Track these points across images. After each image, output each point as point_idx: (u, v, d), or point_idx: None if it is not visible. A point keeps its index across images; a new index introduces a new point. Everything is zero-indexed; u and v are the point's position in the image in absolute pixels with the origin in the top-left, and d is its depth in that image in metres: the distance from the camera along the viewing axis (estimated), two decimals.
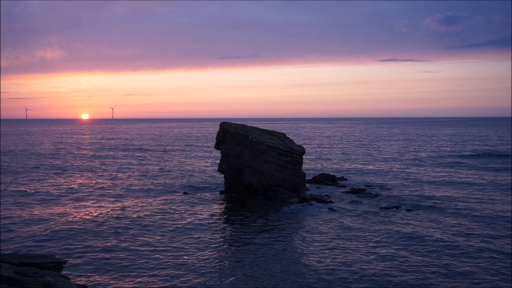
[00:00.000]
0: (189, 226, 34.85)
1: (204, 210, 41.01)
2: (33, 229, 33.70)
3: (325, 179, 56.55)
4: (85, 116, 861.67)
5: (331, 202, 43.64)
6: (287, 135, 57.36)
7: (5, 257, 16.74)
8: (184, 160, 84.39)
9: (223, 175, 51.97)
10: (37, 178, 60.40)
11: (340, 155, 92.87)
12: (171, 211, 40.06)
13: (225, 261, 27.28)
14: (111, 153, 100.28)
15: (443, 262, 26.59)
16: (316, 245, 30.19)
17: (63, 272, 18.00)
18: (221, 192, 49.78)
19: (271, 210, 40.95)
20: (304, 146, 56.33)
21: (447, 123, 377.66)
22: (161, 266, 25.98)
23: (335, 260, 26.99)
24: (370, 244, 30.18)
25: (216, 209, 42.03)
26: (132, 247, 29.41)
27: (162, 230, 33.69)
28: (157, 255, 27.88)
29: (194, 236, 32.13)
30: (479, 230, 33.35)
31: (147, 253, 28.35)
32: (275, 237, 32.34)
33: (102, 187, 53.23)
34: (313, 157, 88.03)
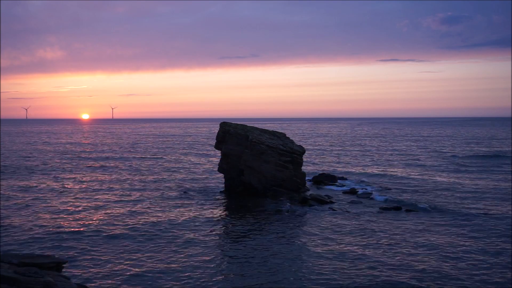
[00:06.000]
0: (189, 226, 34.85)
1: (204, 210, 41.02)
2: (33, 229, 33.72)
3: (325, 179, 56.55)
4: (85, 116, 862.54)
5: (331, 202, 43.63)
6: (287, 135, 57.40)
7: (5, 257, 16.76)
8: (184, 160, 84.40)
9: (223, 175, 51.99)
10: (37, 178, 60.44)
11: (341, 155, 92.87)
12: (171, 211, 40.08)
13: (225, 261, 27.29)
14: (110, 153, 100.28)
15: (443, 264, 26.60)
16: (316, 245, 30.19)
17: (63, 272, 18.01)
18: (221, 192, 49.80)
19: (271, 210, 40.95)
20: (304, 146, 56.34)
21: (448, 123, 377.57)
22: (161, 266, 25.99)
23: (335, 261, 26.99)
24: (370, 245, 30.19)
25: (216, 209, 42.04)
26: (131, 247, 29.42)
27: (162, 230, 33.69)
28: (156, 255, 27.89)
29: (194, 236, 32.13)
30: (479, 233, 33.30)
31: (147, 253, 28.35)
32: (275, 237, 32.35)
33: (102, 187, 53.25)
34: (313, 157, 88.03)
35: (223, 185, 51.64)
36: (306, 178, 52.44)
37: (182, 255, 27.92)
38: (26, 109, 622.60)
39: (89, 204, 42.91)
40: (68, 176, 62.06)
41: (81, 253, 28.27)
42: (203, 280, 24.06)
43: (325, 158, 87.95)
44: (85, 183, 55.92)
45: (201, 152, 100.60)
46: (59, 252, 28.09)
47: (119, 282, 23.71)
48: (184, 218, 37.64)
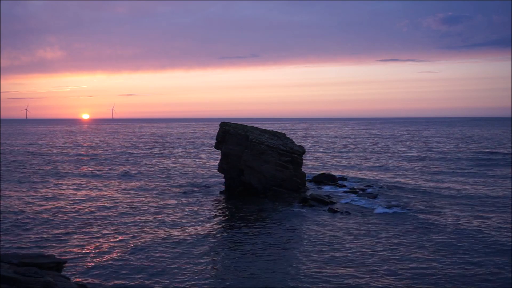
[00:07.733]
0: (189, 227, 34.87)
1: (204, 210, 41.03)
2: (34, 229, 33.74)
3: (325, 179, 56.55)
4: (85, 116, 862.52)
5: (331, 202, 43.62)
6: (287, 135, 57.40)
7: (5, 257, 16.77)
8: (184, 160, 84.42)
9: (223, 175, 52.00)
10: (37, 178, 60.44)
11: (340, 155, 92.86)
12: (171, 211, 40.10)
13: (224, 261, 27.30)
14: (111, 153, 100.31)
15: (442, 265, 26.60)
16: (316, 245, 30.20)
17: (63, 272, 18.02)
18: (221, 192, 49.80)
19: (271, 210, 40.96)
20: (304, 146, 56.35)
21: (448, 123, 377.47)
22: (160, 266, 26.01)
23: (335, 261, 27.01)
24: (370, 245, 30.19)
25: (216, 209, 42.06)
26: (131, 247, 29.43)
27: (162, 230, 33.72)
28: (156, 255, 27.90)
29: (193, 237, 32.15)
30: (478, 235, 33.24)
31: (147, 253, 28.37)
32: (274, 237, 32.36)
33: (102, 187, 53.28)
34: (313, 157, 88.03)
35: (223, 185, 51.65)
36: (306, 178, 52.45)
37: (181, 255, 27.93)
38: (26, 110, 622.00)
39: (88, 204, 42.91)
40: (68, 176, 62.05)
41: (81, 253, 28.30)
42: (201, 280, 24.07)
43: (325, 158, 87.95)
44: (84, 184, 55.91)
45: (201, 152, 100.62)
46: (59, 252, 28.10)
47: (119, 282, 23.72)
48: (183, 218, 37.66)
